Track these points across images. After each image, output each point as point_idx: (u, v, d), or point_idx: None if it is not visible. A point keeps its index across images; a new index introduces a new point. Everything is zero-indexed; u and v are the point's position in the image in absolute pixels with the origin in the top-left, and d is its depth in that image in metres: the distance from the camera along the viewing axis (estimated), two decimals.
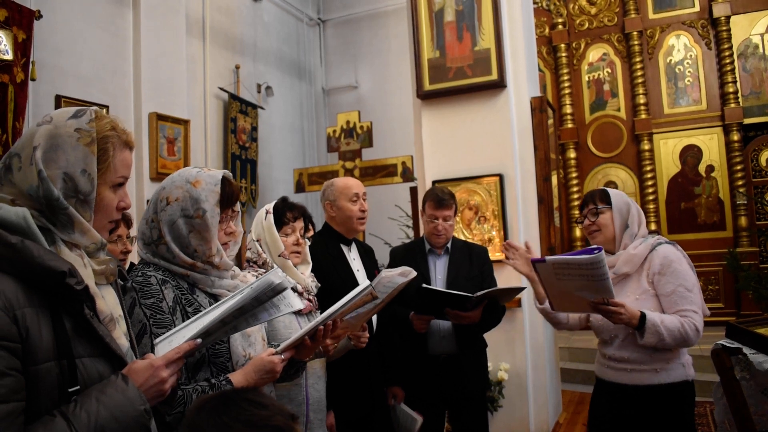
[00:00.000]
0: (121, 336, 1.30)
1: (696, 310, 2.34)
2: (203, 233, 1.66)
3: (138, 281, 1.62)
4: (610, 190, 2.56)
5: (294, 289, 2.21)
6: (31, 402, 1.09)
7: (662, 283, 2.38)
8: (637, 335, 2.32)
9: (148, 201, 5.04)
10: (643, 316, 2.28)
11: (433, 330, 3.00)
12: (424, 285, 2.84)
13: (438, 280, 3.08)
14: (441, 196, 3.05)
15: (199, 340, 1.33)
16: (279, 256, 2.27)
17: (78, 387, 1.15)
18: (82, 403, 1.12)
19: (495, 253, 4.02)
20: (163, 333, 1.54)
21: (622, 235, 2.50)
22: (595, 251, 2.10)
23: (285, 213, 2.35)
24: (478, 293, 2.77)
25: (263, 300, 1.43)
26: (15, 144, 1.25)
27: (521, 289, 2.99)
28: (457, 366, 2.98)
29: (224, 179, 1.73)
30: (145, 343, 1.55)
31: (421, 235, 3.28)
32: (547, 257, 2.26)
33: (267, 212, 2.34)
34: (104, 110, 4.79)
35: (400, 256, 3.13)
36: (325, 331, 1.74)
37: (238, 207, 1.83)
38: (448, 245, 3.15)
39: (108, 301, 1.30)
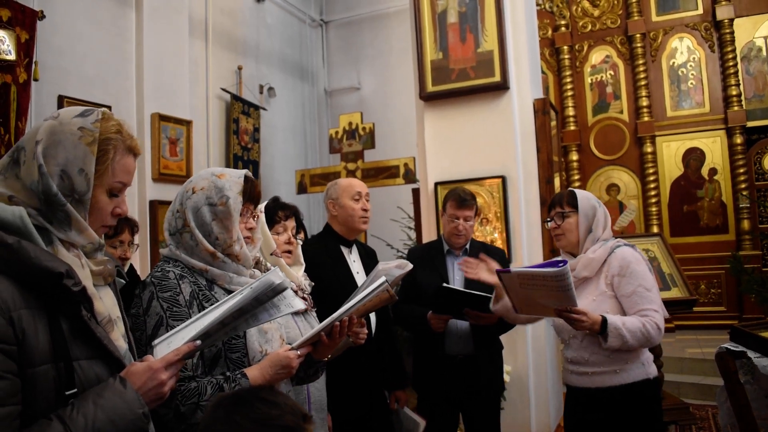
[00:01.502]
0: (119, 338, 1.29)
1: (656, 309, 2.36)
2: (225, 221, 1.71)
3: (157, 276, 1.66)
4: (579, 193, 2.57)
5: None
6: (27, 405, 1.08)
7: (622, 284, 2.41)
8: (601, 340, 2.33)
9: (152, 201, 5.06)
10: (604, 320, 2.29)
11: (451, 330, 2.98)
12: (445, 284, 2.84)
13: (456, 281, 3.07)
14: (463, 196, 3.06)
15: (198, 342, 1.31)
16: (271, 254, 2.27)
17: (75, 390, 1.13)
18: (79, 406, 1.10)
19: None
20: (179, 326, 1.56)
21: (585, 238, 2.53)
22: (560, 264, 2.11)
23: (276, 212, 2.37)
24: None
25: (263, 300, 1.42)
26: (22, 138, 1.24)
27: None
28: (473, 367, 2.97)
29: (247, 176, 1.81)
30: (161, 335, 1.55)
31: (431, 237, 3.27)
32: (512, 268, 2.29)
33: (259, 211, 2.34)
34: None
35: (418, 256, 3.13)
36: (341, 327, 1.74)
37: (258, 212, 1.88)
38: (467, 246, 3.15)
39: (106, 303, 1.28)
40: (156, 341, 1.40)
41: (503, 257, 3.25)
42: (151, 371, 1.21)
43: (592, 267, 2.47)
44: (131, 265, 3.54)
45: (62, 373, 1.12)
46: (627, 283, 2.40)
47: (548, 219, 2.65)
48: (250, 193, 1.80)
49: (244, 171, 1.82)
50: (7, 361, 1.05)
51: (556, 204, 2.61)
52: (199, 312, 1.63)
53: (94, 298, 1.22)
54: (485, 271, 2.67)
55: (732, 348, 2.75)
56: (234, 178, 1.77)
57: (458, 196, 3.06)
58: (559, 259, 2.21)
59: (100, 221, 1.28)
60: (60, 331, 1.13)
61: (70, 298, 1.13)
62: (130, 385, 1.17)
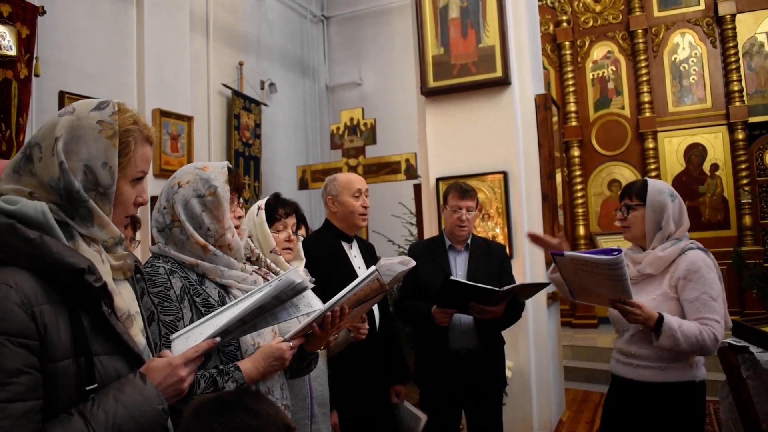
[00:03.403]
0: (138, 333, 1.29)
1: (718, 320, 2.27)
2: (215, 211, 1.72)
3: (147, 272, 1.66)
4: (651, 185, 2.45)
5: None
6: (48, 400, 1.08)
7: (687, 288, 2.32)
8: (653, 336, 2.28)
9: (153, 197, 5.05)
10: (660, 318, 2.23)
11: (455, 325, 2.98)
12: (452, 278, 2.84)
13: (458, 276, 3.07)
14: (464, 187, 3.09)
15: (218, 339, 1.32)
16: (270, 252, 2.26)
17: (95, 385, 1.13)
18: (99, 401, 1.11)
19: None
20: (170, 320, 1.57)
21: (654, 234, 2.43)
22: (614, 253, 2.07)
23: (277, 209, 2.37)
24: (505, 288, 2.77)
25: (283, 299, 1.42)
26: (35, 133, 1.23)
27: (544, 285, 2.97)
28: (476, 362, 2.97)
29: (229, 167, 1.82)
30: (152, 330, 1.56)
31: (432, 233, 3.27)
32: (566, 252, 2.26)
33: (259, 208, 2.34)
34: None
35: (420, 252, 3.13)
36: (332, 318, 1.73)
37: (242, 204, 1.88)
38: (468, 241, 3.15)
39: (125, 298, 1.29)
40: (174, 336, 1.41)
41: (504, 253, 3.25)
42: (171, 367, 1.21)
43: (658, 265, 2.39)
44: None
45: (83, 369, 1.12)
46: (692, 288, 2.31)
47: (618, 209, 2.57)
48: (235, 183, 1.82)
49: (225, 162, 1.83)
50: (29, 356, 1.05)
51: (625, 194, 2.52)
52: (190, 307, 1.64)
53: (114, 294, 1.22)
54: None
55: (734, 343, 2.75)
56: (218, 168, 1.78)
57: (459, 187, 3.09)
58: (614, 247, 2.18)
59: (124, 212, 1.29)
60: (81, 326, 1.13)
61: (91, 293, 1.13)
62: (149, 381, 1.17)
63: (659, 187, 2.45)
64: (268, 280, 1.96)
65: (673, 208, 2.42)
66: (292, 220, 2.40)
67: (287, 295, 1.42)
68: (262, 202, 2.37)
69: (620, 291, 2.20)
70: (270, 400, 1.12)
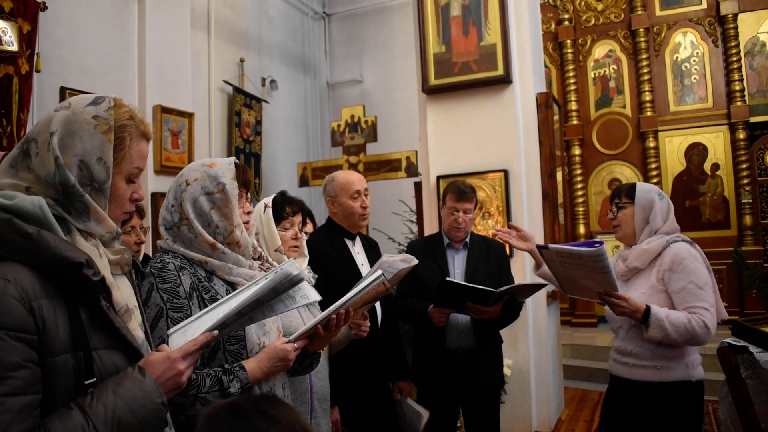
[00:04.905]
0: (136, 327, 1.29)
1: (707, 308, 2.29)
2: (224, 208, 1.72)
3: (156, 267, 1.65)
4: (640, 186, 2.54)
5: None
6: (47, 394, 1.08)
7: (673, 279, 2.36)
8: (643, 329, 2.31)
9: (153, 194, 5.06)
10: (648, 309, 2.27)
11: (452, 324, 2.99)
12: (448, 278, 2.84)
13: (456, 274, 3.07)
14: (463, 189, 3.05)
15: (216, 332, 1.32)
16: (275, 251, 2.26)
17: (94, 379, 1.13)
18: (98, 395, 1.11)
19: None
20: (179, 317, 1.56)
21: (642, 231, 2.49)
22: (596, 245, 2.11)
23: (284, 207, 2.36)
24: (501, 288, 2.77)
25: (280, 291, 1.43)
26: (32, 128, 1.23)
27: (542, 285, 2.97)
28: (473, 361, 2.98)
29: (236, 163, 1.82)
30: (161, 327, 1.57)
31: (433, 231, 3.26)
32: (550, 245, 2.30)
33: (266, 206, 2.33)
34: None
35: (418, 250, 3.12)
36: (337, 320, 1.74)
37: (250, 201, 1.88)
38: (467, 239, 3.15)
39: (123, 292, 1.29)
40: (171, 330, 1.41)
41: (503, 252, 3.24)
42: (170, 361, 1.21)
43: (644, 258, 2.43)
44: (146, 255, 3.51)
45: (81, 363, 1.12)
46: (677, 278, 2.35)
47: (609, 210, 2.66)
48: (243, 179, 1.81)
49: (232, 158, 1.82)
50: (27, 351, 1.05)
51: (615, 195, 2.61)
52: (199, 304, 1.64)
53: (113, 288, 1.22)
54: (515, 239, 2.82)
55: (734, 343, 2.75)
56: (225, 165, 1.77)
57: (458, 189, 3.06)
58: (596, 240, 2.20)
59: (120, 208, 1.29)
60: (79, 320, 1.13)
61: (89, 288, 1.13)
62: (148, 374, 1.18)
63: (647, 187, 2.55)
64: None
65: (660, 205, 2.50)
66: (298, 218, 2.40)
67: (284, 287, 1.43)
68: (268, 200, 2.37)
69: (605, 283, 2.23)
70: (288, 405, 1.07)
